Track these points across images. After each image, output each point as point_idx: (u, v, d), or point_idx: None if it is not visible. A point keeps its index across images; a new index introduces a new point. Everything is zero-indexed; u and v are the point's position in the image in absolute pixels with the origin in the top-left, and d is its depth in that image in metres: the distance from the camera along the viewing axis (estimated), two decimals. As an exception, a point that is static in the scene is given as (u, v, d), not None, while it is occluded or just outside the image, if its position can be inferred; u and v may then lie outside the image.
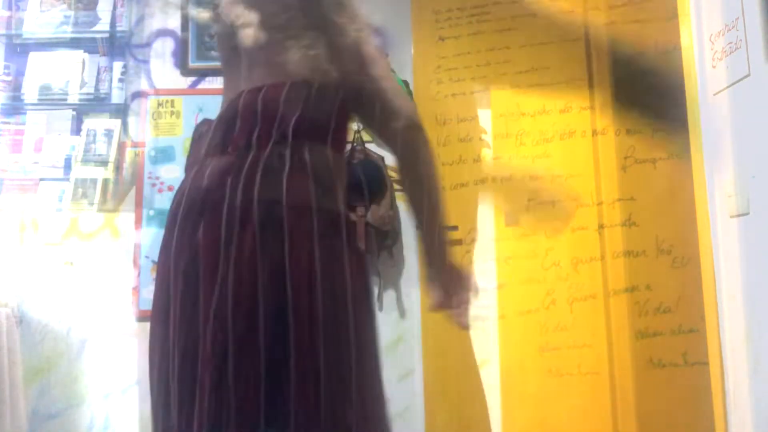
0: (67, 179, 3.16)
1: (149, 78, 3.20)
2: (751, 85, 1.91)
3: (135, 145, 3.08)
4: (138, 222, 3.03)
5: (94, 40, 3.19)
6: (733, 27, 1.98)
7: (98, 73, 3.21)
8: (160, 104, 3.07)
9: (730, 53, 2.00)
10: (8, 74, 3.27)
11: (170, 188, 3.03)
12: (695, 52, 2.24)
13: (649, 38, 3.06)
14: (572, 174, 3.05)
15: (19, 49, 3.33)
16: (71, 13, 3.26)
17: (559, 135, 3.10)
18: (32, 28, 3.28)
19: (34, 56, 3.30)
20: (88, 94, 3.24)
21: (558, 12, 3.16)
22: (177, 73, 3.19)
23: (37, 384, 3.07)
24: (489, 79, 3.22)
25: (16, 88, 3.27)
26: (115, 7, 3.19)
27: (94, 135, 3.02)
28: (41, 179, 3.18)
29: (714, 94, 2.11)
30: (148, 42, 3.25)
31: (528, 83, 3.15)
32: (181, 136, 3.07)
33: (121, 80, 3.07)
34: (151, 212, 3.02)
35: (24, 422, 2.84)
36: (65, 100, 3.23)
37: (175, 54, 3.22)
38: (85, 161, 2.96)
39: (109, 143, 2.99)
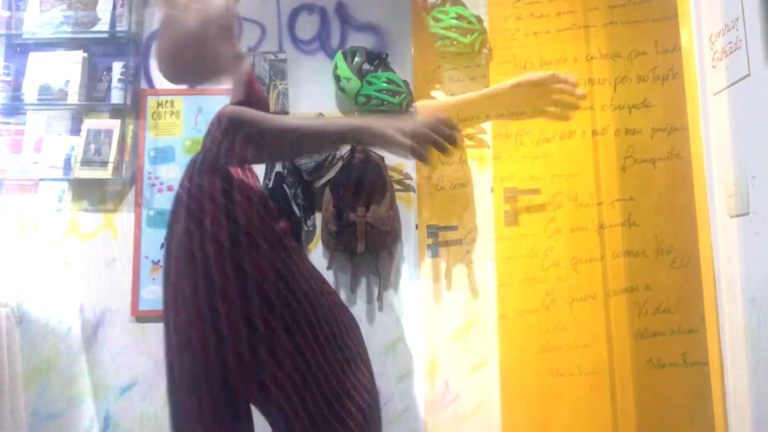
0: (67, 179, 3.16)
1: (149, 78, 3.20)
2: (751, 85, 1.91)
3: (134, 145, 3.10)
4: (137, 222, 3.04)
5: (94, 40, 3.19)
6: (733, 27, 1.98)
7: (98, 73, 3.21)
8: (159, 104, 3.08)
9: (730, 53, 2.00)
10: (8, 74, 3.27)
11: (170, 188, 3.03)
12: (695, 52, 2.24)
13: (649, 38, 3.06)
14: (572, 174, 3.05)
15: (19, 49, 3.33)
16: (71, 13, 3.26)
17: (558, 135, 3.09)
18: (32, 28, 3.28)
19: (34, 56, 3.30)
20: (88, 94, 3.25)
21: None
22: None
23: (37, 384, 3.07)
24: (489, 78, 3.22)
25: (16, 88, 3.27)
26: (115, 7, 3.20)
27: (94, 135, 3.02)
28: (41, 179, 3.18)
29: (714, 94, 2.11)
30: (148, 42, 3.25)
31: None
32: (180, 136, 3.09)
33: (121, 80, 3.07)
34: (151, 212, 3.03)
35: (24, 422, 2.84)
36: (65, 100, 3.22)
37: None
38: (85, 161, 2.96)
39: (110, 143, 2.99)
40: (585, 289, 2.97)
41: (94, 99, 3.06)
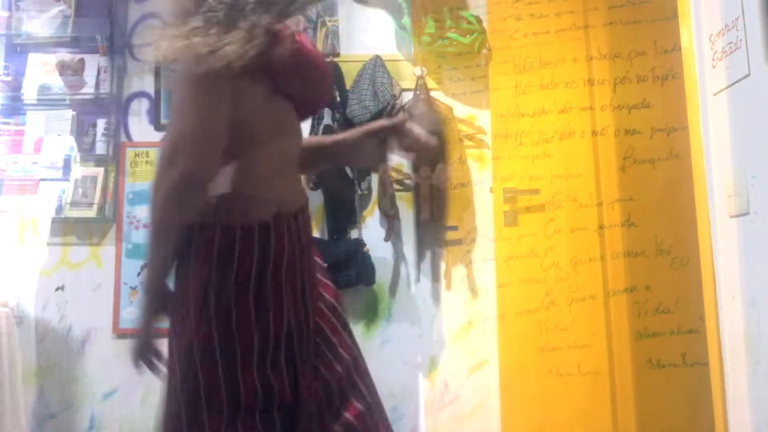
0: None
1: (128, 132, 3.38)
2: (751, 85, 1.91)
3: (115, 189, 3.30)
4: (118, 254, 3.26)
5: (81, 100, 3.31)
6: (733, 27, 1.98)
7: (85, 128, 3.31)
8: (137, 155, 3.33)
9: (730, 53, 2.00)
10: (8, 74, 3.28)
11: (146, 226, 3.26)
12: (695, 52, 2.24)
13: (648, 38, 3.06)
14: (572, 174, 3.05)
15: (19, 49, 3.34)
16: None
17: (558, 135, 3.10)
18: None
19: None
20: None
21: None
22: (151, 128, 3.37)
23: (36, 384, 3.11)
24: (489, 78, 3.22)
25: (15, 88, 3.28)
26: (99, 73, 3.33)
27: (82, 181, 3.26)
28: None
29: (714, 94, 2.11)
30: (128, 102, 3.40)
31: (527, 83, 3.15)
32: None
33: (104, 134, 3.30)
34: (129, 246, 3.26)
35: (23, 422, 2.84)
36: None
37: (149, 112, 3.38)
38: (74, 203, 3.22)
39: (95, 188, 3.25)
40: (585, 290, 2.97)
41: (81, 150, 3.31)
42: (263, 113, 1.49)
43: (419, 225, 3.09)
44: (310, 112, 1.77)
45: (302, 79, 1.54)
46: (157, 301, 1.46)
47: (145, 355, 1.45)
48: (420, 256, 3.18)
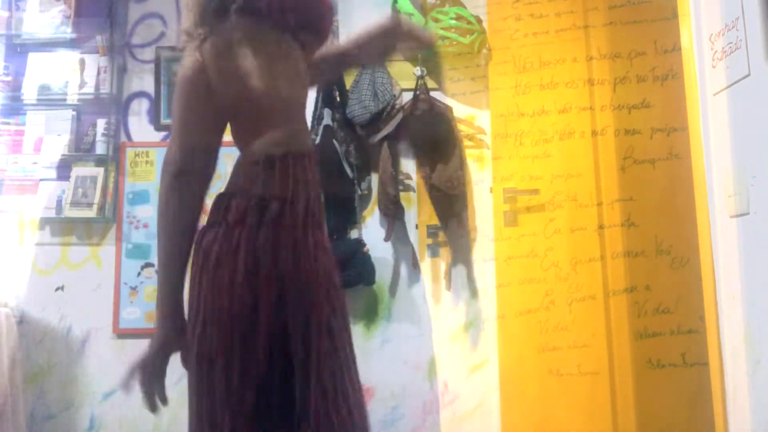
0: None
1: (128, 132, 3.39)
2: (751, 85, 1.91)
3: (115, 189, 3.30)
4: (118, 254, 3.27)
5: (81, 100, 3.32)
6: (733, 27, 1.98)
7: (85, 128, 3.32)
8: (136, 155, 3.34)
9: (730, 53, 2.00)
10: (8, 74, 3.28)
11: (145, 226, 3.28)
12: (695, 52, 2.24)
13: (648, 38, 3.06)
14: (572, 174, 3.05)
15: (19, 49, 3.34)
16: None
17: (558, 135, 3.10)
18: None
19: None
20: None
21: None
22: (151, 128, 3.38)
23: (36, 385, 3.11)
24: (489, 78, 3.22)
25: (15, 88, 3.28)
26: (99, 73, 3.34)
27: (81, 180, 3.26)
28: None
29: (714, 94, 2.11)
30: (127, 102, 3.41)
31: (527, 83, 3.15)
32: (154, 182, 3.30)
33: (104, 134, 3.30)
34: (129, 246, 3.27)
35: (23, 423, 2.84)
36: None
37: (149, 112, 3.39)
38: (74, 203, 3.22)
39: (95, 187, 3.26)
40: (585, 290, 2.97)
41: (81, 150, 3.32)
42: (269, 56, 1.43)
43: (419, 225, 3.10)
44: (315, 43, 1.70)
45: (303, 10, 1.48)
46: (169, 320, 1.35)
47: (150, 384, 1.32)
48: (420, 256, 3.18)
